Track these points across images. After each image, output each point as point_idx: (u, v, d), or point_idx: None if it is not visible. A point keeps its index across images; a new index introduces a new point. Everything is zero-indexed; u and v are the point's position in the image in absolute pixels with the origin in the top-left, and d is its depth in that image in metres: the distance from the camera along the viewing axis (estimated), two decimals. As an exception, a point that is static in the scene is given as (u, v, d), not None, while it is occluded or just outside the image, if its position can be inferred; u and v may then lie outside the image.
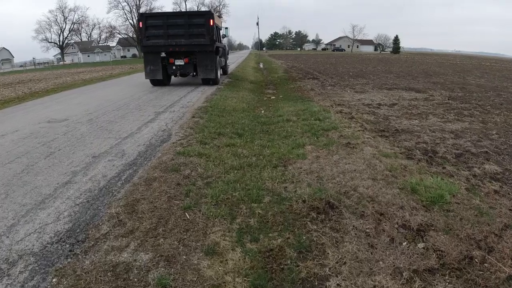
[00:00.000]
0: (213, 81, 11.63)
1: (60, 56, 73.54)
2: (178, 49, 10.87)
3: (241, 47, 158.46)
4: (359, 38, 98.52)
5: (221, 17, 15.84)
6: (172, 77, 12.18)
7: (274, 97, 10.63)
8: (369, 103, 8.66)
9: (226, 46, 15.55)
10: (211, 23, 10.54)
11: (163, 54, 11.47)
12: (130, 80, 15.37)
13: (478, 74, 19.98)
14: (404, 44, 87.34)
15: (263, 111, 7.85)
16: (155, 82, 11.90)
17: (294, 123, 6.24)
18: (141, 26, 11.04)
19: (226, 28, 15.34)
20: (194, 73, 11.55)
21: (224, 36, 15.36)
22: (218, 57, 11.89)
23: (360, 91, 11.01)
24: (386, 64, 29.28)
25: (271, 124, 6.38)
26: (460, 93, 11.25)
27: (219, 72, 12.27)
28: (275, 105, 8.63)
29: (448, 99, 9.95)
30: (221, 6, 71.92)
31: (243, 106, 8.03)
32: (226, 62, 15.40)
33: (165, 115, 6.81)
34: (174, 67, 11.28)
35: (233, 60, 32.85)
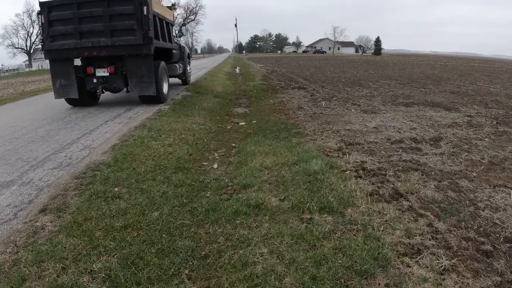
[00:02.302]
0: (156, 99, 7.89)
1: (28, 62, 67.33)
2: (97, 53, 7.11)
3: (221, 50, 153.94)
4: (340, 40, 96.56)
5: (175, 8, 12.15)
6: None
7: (244, 123, 7.06)
8: (398, 138, 5.24)
9: (186, 47, 11.77)
10: (145, 12, 6.86)
11: (77, 62, 7.71)
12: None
13: (485, 78, 17.27)
14: (382, 45, 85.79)
15: (216, 166, 4.23)
16: (72, 102, 8.08)
17: (272, 221, 2.68)
18: (43, 21, 7.24)
19: (184, 25, 11.66)
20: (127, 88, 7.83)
21: (181, 35, 11.66)
22: (163, 62, 8.19)
23: (370, 110, 7.62)
24: (376, 67, 26.34)
25: (219, 220, 2.77)
26: (500, 109, 8.15)
27: (165, 85, 8.49)
28: (242, 148, 5.00)
29: (497, 123, 6.80)
30: (197, 8, 67.77)
31: (181, 155, 4.37)
32: (185, 68, 11.63)
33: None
34: (94, 80, 7.49)
35: (207, 65, 29.07)
